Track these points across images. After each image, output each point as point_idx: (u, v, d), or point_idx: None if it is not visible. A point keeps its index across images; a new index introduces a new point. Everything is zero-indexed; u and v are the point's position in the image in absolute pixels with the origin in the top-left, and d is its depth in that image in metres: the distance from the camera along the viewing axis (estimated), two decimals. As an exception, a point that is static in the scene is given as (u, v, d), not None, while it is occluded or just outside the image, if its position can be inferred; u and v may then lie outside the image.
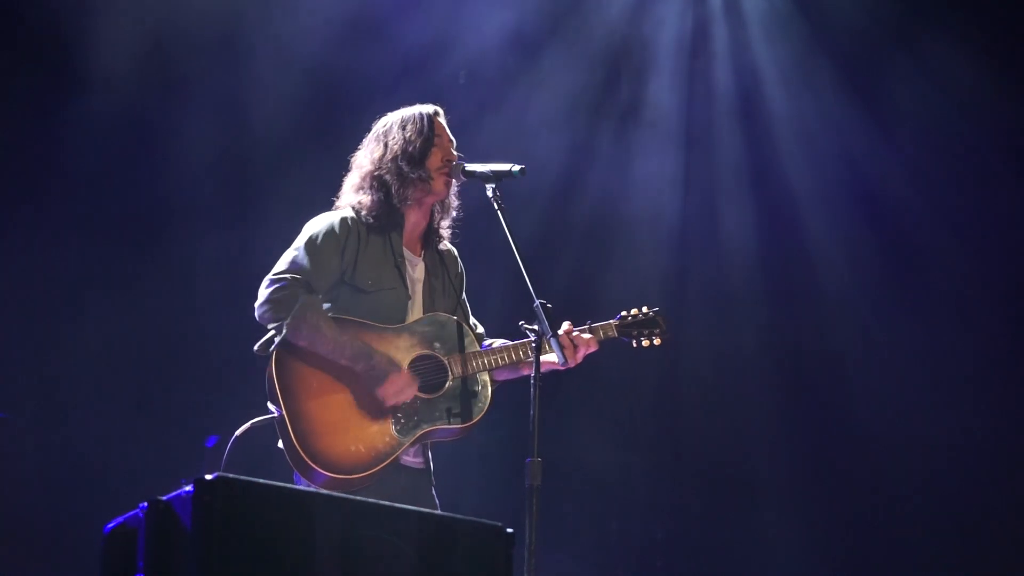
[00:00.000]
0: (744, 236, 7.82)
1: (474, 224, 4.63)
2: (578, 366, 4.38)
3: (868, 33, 7.61)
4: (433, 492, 4.36)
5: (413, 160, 4.35)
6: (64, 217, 6.57)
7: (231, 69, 6.88)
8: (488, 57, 7.59)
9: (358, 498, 3.16)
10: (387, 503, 3.08)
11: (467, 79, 7.61)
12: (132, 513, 2.90)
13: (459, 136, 4.50)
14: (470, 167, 4.33)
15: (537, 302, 3.96)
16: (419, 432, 4.20)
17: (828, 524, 7.50)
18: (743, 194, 7.85)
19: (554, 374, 4.25)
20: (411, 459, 4.30)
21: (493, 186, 4.22)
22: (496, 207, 4.18)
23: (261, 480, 2.88)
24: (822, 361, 7.70)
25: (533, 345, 3.96)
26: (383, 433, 4.14)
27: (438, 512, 3.20)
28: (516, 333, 4.26)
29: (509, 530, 3.25)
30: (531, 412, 3.81)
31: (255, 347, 4.19)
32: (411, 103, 4.55)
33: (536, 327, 3.98)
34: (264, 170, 6.87)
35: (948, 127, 7.49)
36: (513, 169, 4.23)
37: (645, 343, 4.56)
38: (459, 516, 3.22)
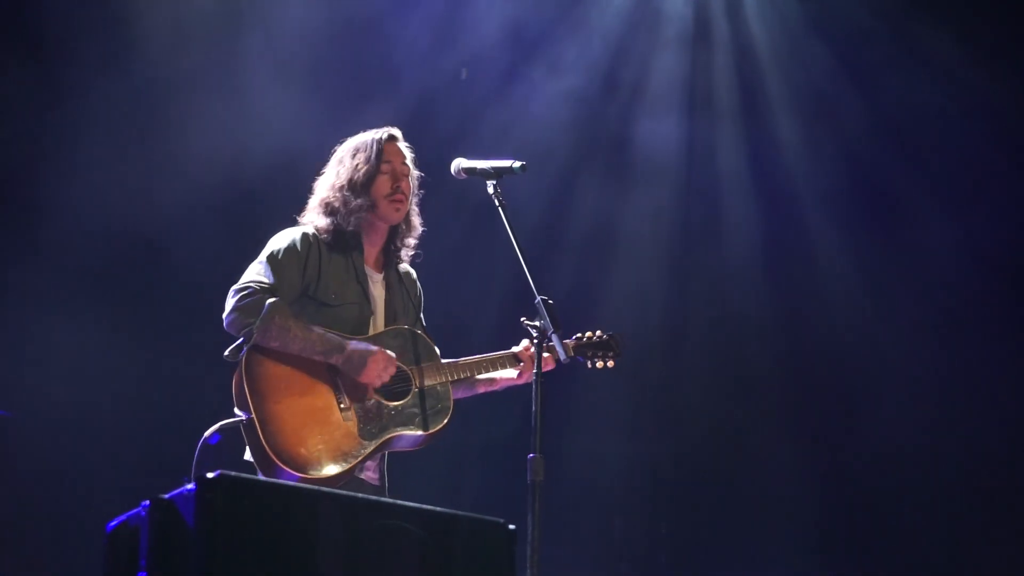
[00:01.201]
0: (747, 232, 7.82)
1: (475, 221, 4.62)
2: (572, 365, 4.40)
3: (864, 21, 7.60)
4: None
5: (356, 188, 4.42)
6: (66, 217, 6.55)
7: (229, 72, 6.86)
8: (489, 53, 7.59)
9: (360, 495, 3.16)
10: (389, 499, 3.08)
11: (468, 75, 7.61)
12: (135, 511, 2.90)
13: (460, 133, 4.50)
14: (470, 164, 4.33)
15: (539, 298, 3.96)
16: (383, 437, 4.24)
17: (831, 519, 7.49)
18: (745, 191, 7.84)
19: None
20: (369, 475, 4.35)
21: (494, 183, 4.22)
22: (497, 203, 4.18)
23: (263, 478, 2.88)
24: (826, 358, 7.68)
25: (535, 341, 3.97)
26: (348, 436, 4.18)
27: (440, 508, 3.20)
28: (517, 329, 4.27)
29: (511, 526, 3.26)
30: (533, 408, 3.81)
31: (225, 353, 4.22)
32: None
33: (538, 323, 3.98)
34: (264, 172, 6.84)
35: (944, 115, 7.47)
36: (514, 165, 4.23)
37: (599, 364, 4.78)
38: (461, 512, 3.23)
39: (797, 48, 7.71)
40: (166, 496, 2.84)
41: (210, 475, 2.78)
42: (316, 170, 4.63)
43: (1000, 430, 7.29)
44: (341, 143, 4.58)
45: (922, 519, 7.31)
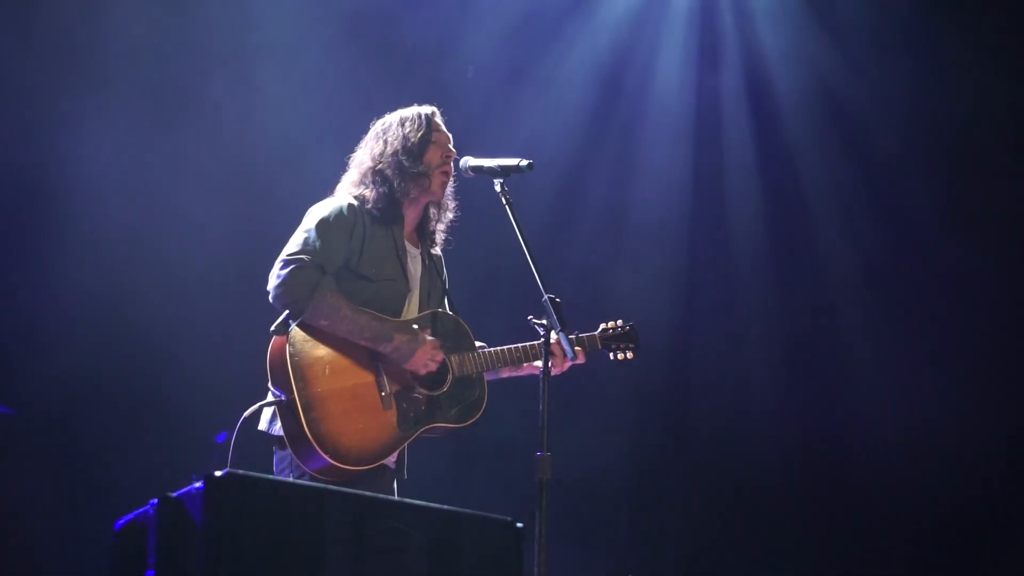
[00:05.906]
0: (752, 230, 7.80)
1: (481, 219, 4.61)
2: (575, 367, 4.35)
3: (873, 22, 7.59)
4: (395, 488, 4.38)
5: (412, 155, 4.38)
6: (66, 218, 6.56)
7: (235, 71, 6.87)
8: (496, 50, 7.59)
9: (367, 493, 3.16)
10: (396, 498, 3.09)
11: (475, 73, 7.61)
12: (142, 509, 2.90)
13: (467, 130, 4.49)
14: (477, 162, 4.32)
15: (546, 297, 3.95)
16: (421, 428, 4.25)
17: (835, 519, 7.48)
18: (751, 188, 7.83)
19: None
20: (390, 458, 4.31)
21: (501, 181, 4.21)
22: (504, 202, 4.17)
23: (271, 476, 2.88)
24: (830, 356, 7.66)
25: (542, 339, 3.96)
26: (388, 426, 4.18)
27: (448, 507, 3.20)
28: (524, 328, 4.26)
29: (519, 524, 3.26)
30: (540, 406, 3.81)
31: (271, 328, 4.17)
32: (418, 98, 4.56)
33: (545, 322, 3.97)
34: (271, 170, 6.85)
35: (954, 117, 7.45)
36: (521, 164, 4.22)
37: (620, 356, 4.68)
38: (469, 511, 3.23)
39: (803, 45, 7.70)
40: (174, 494, 2.85)
41: (218, 473, 2.78)
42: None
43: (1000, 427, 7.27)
44: (376, 119, 4.53)
45: (926, 523, 7.29)
